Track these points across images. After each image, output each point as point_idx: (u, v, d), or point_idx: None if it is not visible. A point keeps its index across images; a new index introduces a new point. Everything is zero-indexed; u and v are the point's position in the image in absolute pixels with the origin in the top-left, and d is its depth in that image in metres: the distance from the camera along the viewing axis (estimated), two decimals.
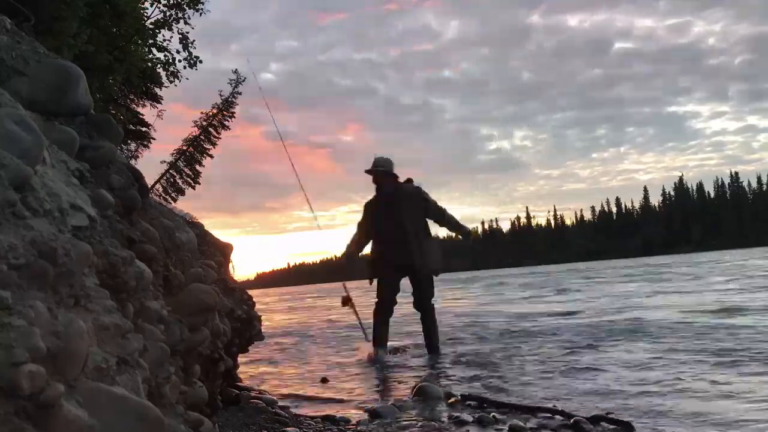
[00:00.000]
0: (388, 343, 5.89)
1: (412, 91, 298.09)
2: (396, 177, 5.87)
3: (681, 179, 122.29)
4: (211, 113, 11.90)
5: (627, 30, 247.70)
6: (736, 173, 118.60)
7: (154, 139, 10.08)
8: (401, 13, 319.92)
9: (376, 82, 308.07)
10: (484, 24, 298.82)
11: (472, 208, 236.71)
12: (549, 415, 3.02)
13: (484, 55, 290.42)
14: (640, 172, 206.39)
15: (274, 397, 3.91)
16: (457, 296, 16.26)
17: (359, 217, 6.12)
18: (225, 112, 11.97)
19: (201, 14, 8.22)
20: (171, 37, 8.36)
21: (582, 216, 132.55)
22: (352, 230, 6.18)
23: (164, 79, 8.81)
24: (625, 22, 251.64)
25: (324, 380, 4.62)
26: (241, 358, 4.21)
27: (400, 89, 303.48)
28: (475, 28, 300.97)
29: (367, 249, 6.04)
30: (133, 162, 6.66)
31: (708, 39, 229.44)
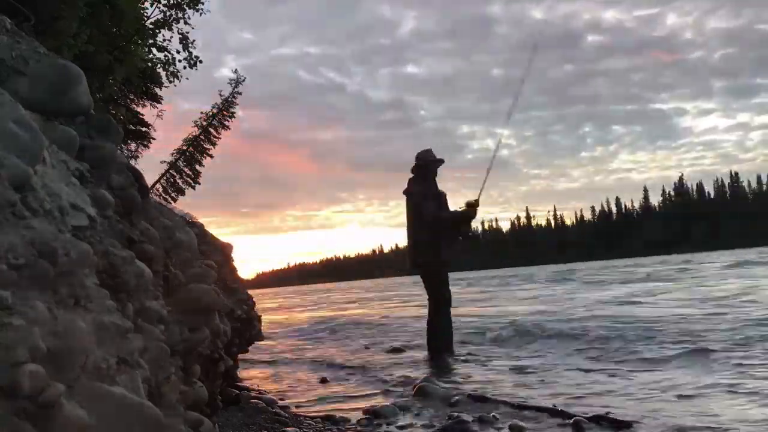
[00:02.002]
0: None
1: (382, 88, 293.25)
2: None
3: (681, 179, 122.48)
4: (211, 113, 11.91)
5: (595, 22, 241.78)
6: (736, 173, 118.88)
7: (154, 139, 10.09)
8: (352, 3, 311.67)
9: (341, 78, 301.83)
10: (442, 16, 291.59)
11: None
12: (548, 414, 3.02)
13: (446, 50, 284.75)
14: (634, 172, 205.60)
15: (274, 397, 3.92)
16: None
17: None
18: (225, 112, 11.99)
19: (201, 14, 8.22)
20: (171, 37, 8.36)
21: (582, 216, 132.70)
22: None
23: (164, 79, 8.81)
24: (592, 13, 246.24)
25: (324, 380, 4.62)
26: (241, 358, 4.21)
27: (368, 85, 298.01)
28: (432, 20, 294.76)
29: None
30: (133, 162, 6.67)
31: (684, 32, 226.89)
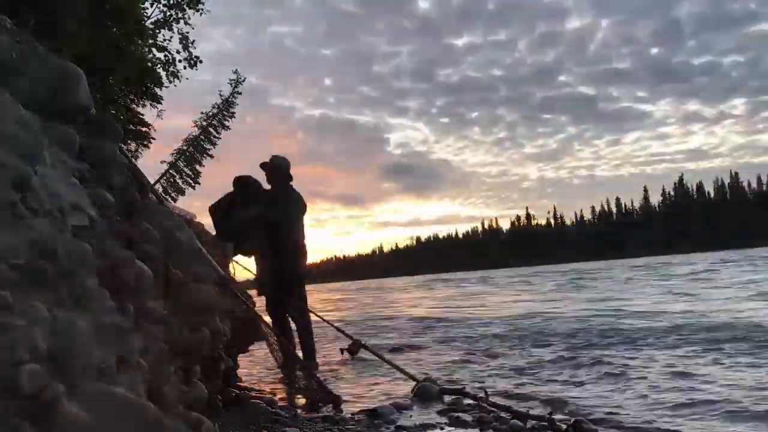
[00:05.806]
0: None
1: (306, 100, 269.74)
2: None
3: (681, 179, 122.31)
4: (211, 113, 11.92)
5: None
6: (737, 173, 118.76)
7: (154, 139, 10.08)
8: None
9: (255, 80, 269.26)
10: None
11: (456, 207, 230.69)
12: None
13: (331, 39, 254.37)
14: (623, 170, 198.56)
15: (274, 397, 3.91)
16: None
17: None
18: (225, 112, 11.99)
19: (201, 14, 8.23)
20: (171, 37, 8.38)
21: (582, 216, 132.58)
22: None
23: (164, 79, 8.81)
24: None
25: (324, 380, 4.60)
26: (240, 358, 4.20)
27: (294, 97, 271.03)
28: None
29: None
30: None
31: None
